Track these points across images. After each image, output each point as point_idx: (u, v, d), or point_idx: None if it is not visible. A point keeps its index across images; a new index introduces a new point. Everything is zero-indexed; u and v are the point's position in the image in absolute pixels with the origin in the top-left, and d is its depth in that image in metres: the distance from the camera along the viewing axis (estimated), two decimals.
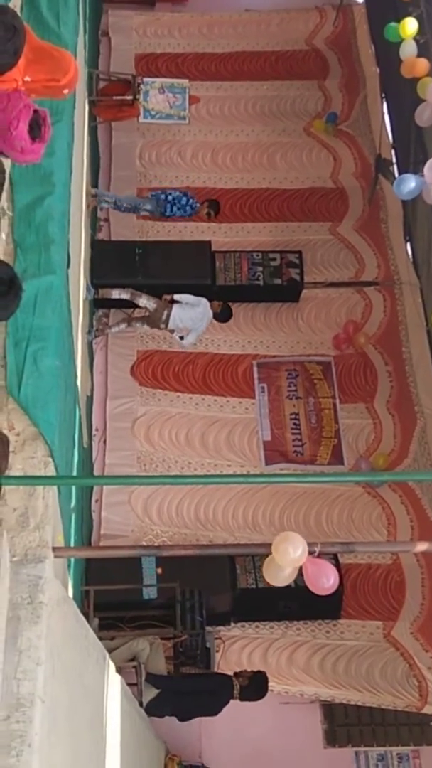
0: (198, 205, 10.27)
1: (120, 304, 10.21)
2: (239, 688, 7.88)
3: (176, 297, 9.65)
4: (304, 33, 13.15)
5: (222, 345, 10.81)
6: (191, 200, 10.27)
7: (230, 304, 10.25)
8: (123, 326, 10.32)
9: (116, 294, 9.90)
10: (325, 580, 4.30)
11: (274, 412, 10.45)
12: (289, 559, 4.20)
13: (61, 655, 4.17)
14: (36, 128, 3.95)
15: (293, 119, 12.50)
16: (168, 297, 9.70)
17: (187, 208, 10.17)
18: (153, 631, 8.28)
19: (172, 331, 9.87)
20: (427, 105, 8.16)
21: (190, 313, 9.68)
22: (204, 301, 9.74)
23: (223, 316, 10.02)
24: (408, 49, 8.41)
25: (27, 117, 3.87)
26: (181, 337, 9.87)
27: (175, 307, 9.66)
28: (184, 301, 9.64)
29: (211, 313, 9.82)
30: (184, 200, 10.21)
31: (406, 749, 9.33)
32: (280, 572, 4.27)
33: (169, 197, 10.20)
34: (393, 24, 8.68)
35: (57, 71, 4.12)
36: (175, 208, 10.14)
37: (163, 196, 10.28)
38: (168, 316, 9.65)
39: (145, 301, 9.77)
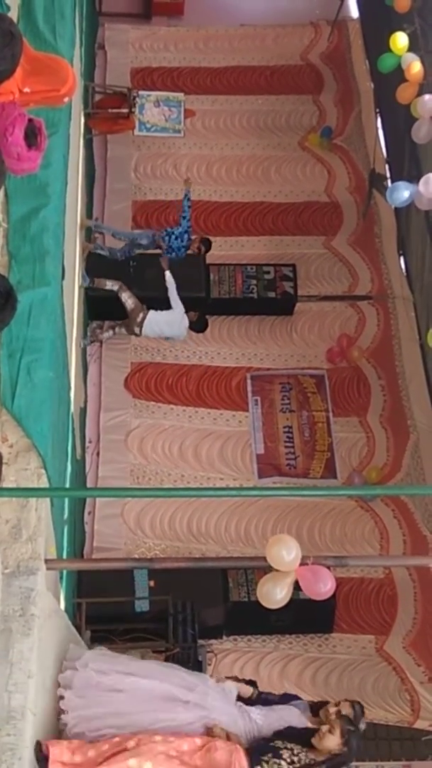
0: (193, 237, 10.21)
1: (112, 316, 10.19)
2: None
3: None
4: (299, 48, 13.20)
5: (216, 357, 10.81)
6: (189, 232, 10.15)
7: (224, 316, 10.16)
8: (111, 332, 10.30)
9: (109, 285, 9.85)
10: (322, 585, 4.31)
11: (267, 425, 10.44)
12: (283, 563, 4.19)
13: (52, 667, 4.15)
14: (32, 137, 3.97)
15: (288, 133, 12.54)
16: None
17: (185, 236, 10.07)
18: (145, 644, 8.23)
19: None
20: (423, 121, 8.19)
21: (166, 317, 9.71)
22: (182, 307, 9.77)
23: (198, 325, 10.01)
24: (409, 62, 8.41)
25: (22, 124, 3.88)
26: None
27: (151, 312, 9.69)
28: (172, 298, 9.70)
29: (187, 321, 9.82)
30: (185, 234, 10.12)
31: (397, 764, 9.27)
32: (273, 594, 4.26)
33: (173, 236, 10.03)
34: (386, 54, 8.72)
35: (56, 81, 4.15)
36: (173, 238, 10.03)
37: (166, 237, 10.08)
38: (143, 319, 9.68)
39: (126, 297, 9.75)
